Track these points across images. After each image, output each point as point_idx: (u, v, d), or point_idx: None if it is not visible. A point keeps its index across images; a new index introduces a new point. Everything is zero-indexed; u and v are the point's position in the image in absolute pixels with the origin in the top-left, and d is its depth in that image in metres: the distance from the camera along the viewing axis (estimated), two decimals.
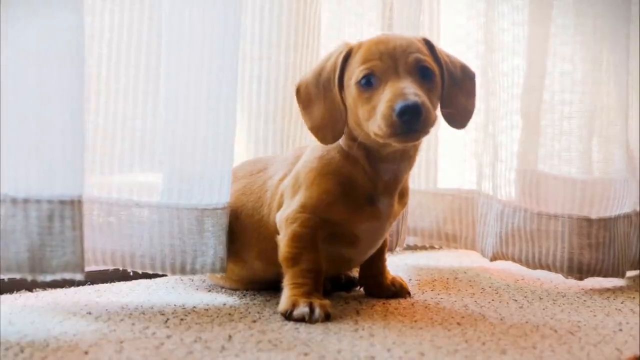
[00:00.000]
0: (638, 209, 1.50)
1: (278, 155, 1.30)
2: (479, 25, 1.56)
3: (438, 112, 1.10)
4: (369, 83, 1.05)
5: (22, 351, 0.87)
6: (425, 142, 1.58)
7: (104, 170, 1.16)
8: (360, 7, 1.51)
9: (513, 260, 1.46)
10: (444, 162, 1.67)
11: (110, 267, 1.17)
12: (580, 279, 1.41)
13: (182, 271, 1.16)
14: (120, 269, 1.17)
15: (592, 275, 1.41)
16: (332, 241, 1.13)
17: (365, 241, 1.15)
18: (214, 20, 1.14)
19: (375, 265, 1.25)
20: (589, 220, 1.40)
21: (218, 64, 1.14)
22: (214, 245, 1.16)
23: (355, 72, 1.06)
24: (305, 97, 1.12)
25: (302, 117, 1.13)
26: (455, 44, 1.61)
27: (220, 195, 1.17)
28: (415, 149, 1.14)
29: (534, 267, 1.44)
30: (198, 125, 1.15)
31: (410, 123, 0.99)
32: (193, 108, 1.15)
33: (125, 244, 1.15)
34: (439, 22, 1.60)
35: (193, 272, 1.16)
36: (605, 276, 1.41)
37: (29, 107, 0.98)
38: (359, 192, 1.11)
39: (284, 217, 1.12)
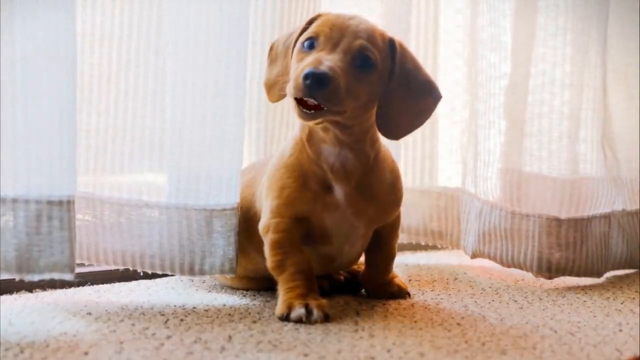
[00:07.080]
0: (629, 209, 1.50)
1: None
2: (465, 28, 1.56)
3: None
4: (310, 46, 1.07)
5: (22, 352, 0.87)
6: (418, 138, 1.60)
7: (114, 170, 1.17)
8: (359, 7, 1.51)
9: (489, 258, 1.46)
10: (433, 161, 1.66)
11: (121, 267, 1.18)
12: (550, 278, 1.41)
13: (191, 272, 1.16)
14: (121, 268, 1.17)
15: (563, 274, 1.41)
16: (308, 239, 1.13)
17: (337, 236, 1.14)
18: (220, 18, 1.13)
19: (378, 269, 1.23)
20: (558, 220, 1.40)
21: (225, 63, 1.14)
22: (222, 246, 1.16)
23: (305, 34, 1.09)
24: (274, 54, 1.16)
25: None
26: (453, 43, 1.61)
27: (229, 195, 1.16)
28: (354, 138, 1.10)
29: (508, 266, 1.44)
30: (206, 125, 1.15)
31: (312, 90, 1.00)
32: (200, 107, 1.14)
33: (135, 244, 1.15)
34: (437, 22, 1.59)
35: (202, 272, 1.17)
36: (577, 276, 1.41)
37: (17, 107, 0.98)
38: (311, 179, 1.11)
39: (261, 226, 1.13)
